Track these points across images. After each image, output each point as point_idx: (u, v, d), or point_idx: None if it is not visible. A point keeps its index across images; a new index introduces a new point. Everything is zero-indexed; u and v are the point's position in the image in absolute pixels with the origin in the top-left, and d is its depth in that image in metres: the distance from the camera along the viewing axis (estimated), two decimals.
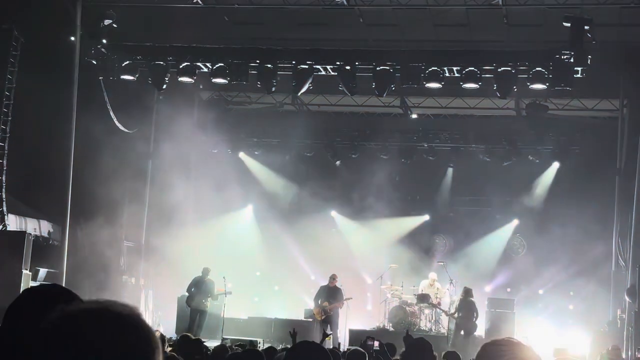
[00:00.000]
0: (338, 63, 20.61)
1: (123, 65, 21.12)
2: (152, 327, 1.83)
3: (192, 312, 20.75)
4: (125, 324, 1.75)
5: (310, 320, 21.60)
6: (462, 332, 20.44)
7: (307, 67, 20.70)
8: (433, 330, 21.83)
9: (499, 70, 19.74)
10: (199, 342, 10.28)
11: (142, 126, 23.80)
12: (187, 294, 21.30)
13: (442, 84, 20.28)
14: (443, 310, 21.51)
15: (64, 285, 19.26)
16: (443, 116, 25.51)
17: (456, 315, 20.57)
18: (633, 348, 18.12)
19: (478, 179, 24.87)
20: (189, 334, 11.01)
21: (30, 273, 18.86)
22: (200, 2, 20.28)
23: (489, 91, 20.55)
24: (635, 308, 18.65)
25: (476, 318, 20.63)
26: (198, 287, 20.86)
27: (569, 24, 18.48)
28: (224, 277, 21.07)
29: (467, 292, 21.08)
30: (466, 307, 20.74)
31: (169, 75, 21.12)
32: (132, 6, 20.80)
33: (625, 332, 19.40)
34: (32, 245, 19.16)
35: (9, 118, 20.07)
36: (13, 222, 20.77)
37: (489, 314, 21.88)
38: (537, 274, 24.60)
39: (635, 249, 19.44)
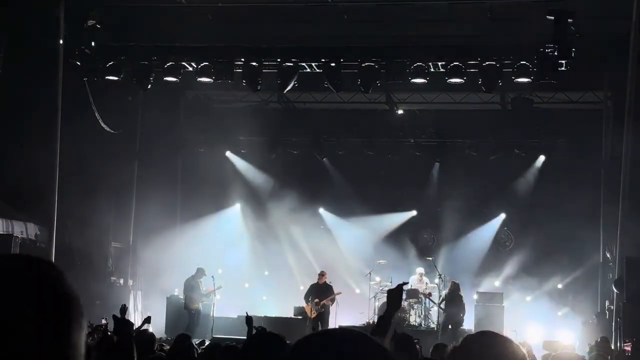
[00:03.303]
0: (323, 60, 20.59)
1: (107, 65, 21.02)
2: (73, 290, 1.66)
3: (193, 313, 20.82)
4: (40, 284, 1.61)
5: (300, 317, 21.62)
6: (449, 327, 20.57)
7: (292, 64, 20.67)
8: (423, 325, 21.89)
9: (484, 64, 19.77)
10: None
11: (127, 127, 23.73)
12: (181, 296, 21.38)
13: (427, 80, 20.31)
14: (434, 302, 21.60)
15: None
16: (429, 111, 25.51)
17: (443, 306, 20.74)
18: (621, 339, 18.20)
19: (464, 173, 24.88)
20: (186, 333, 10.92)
21: None
22: (183, 1, 20.21)
23: (474, 86, 20.59)
24: (623, 299, 18.72)
25: (463, 313, 20.75)
26: (194, 287, 20.94)
27: (552, 17, 18.53)
28: (212, 277, 21.11)
29: (455, 287, 21.19)
30: (454, 301, 20.85)
31: (153, 75, 21.06)
32: (116, 7, 20.73)
33: (613, 324, 19.47)
34: (19, 248, 19.09)
35: None
36: None
37: (478, 307, 21.96)
38: (525, 267, 24.66)
39: (622, 240, 19.51)
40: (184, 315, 21.20)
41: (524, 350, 2.93)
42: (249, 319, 9.18)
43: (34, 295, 1.59)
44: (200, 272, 21.15)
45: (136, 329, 10.06)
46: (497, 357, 2.82)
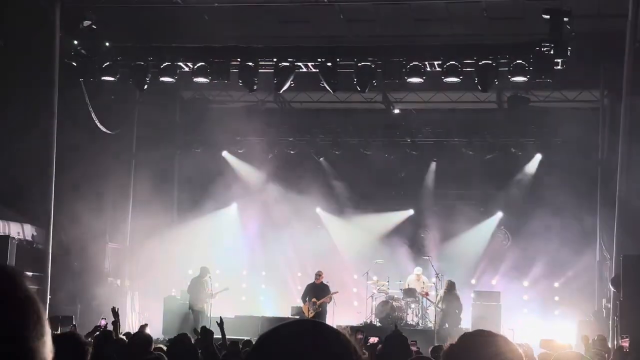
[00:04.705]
0: (319, 60, 20.59)
1: (103, 66, 21.00)
2: (33, 294, 1.60)
3: (196, 314, 20.80)
4: None
5: (298, 317, 21.62)
6: (446, 325, 20.58)
7: (288, 64, 20.67)
8: (420, 325, 21.90)
9: (480, 63, 19.78)
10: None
11: (124, 127, 23.73)
12: (179, 297, 21.34)
13: (424, 79, 20.31)
14: (431, 302, 21.59)
15: (48, 289, 19.14)
16: (425, 111, 25.53)
17: (440, 305, 20.73)
18: (618, 337, 18.22)
19: (461, 172, 24.91)
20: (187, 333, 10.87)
21: None
22: (180, 2, 20.21)
23: (471, 85, 20.60)
24: (620, 297, 18.75)
25: (460, 312, 20.74)
26: (199, 287, 20.91)
27: (548, 16, 18.56)
28: (209, 277, 21.10)
29: (451, 286, 21.19)
30: (450, 300, 20.85)
31: (149, 75, 21.04)
32: (112, 7, 20.71)
33: (610, 322, 19.51)
34: (16, 249, 19.07)
35: None
36: None
37: (475, 306, 21.98)
38: (522, 265, 24.67)
39: (619, 239, 19.54)
40: (182, 315, 21.19)
41: (521, 351, 2.93)
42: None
43: None
44: (204, 271, 21.11)
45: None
46: (494, 356, 2.82)
